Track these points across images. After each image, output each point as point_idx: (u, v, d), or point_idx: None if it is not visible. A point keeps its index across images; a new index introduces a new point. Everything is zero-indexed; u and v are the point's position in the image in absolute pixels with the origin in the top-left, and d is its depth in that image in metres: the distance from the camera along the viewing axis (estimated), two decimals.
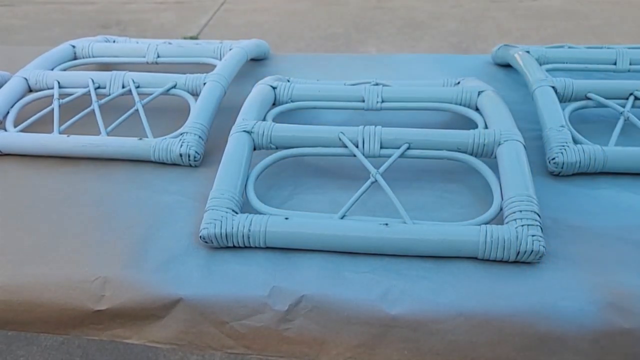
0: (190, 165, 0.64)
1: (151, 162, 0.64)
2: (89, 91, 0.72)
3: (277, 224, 0.51)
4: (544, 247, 0.48)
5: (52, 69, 0.79)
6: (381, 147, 0.58)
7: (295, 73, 0.78)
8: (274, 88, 0.69)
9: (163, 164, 0.64)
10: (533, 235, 0.48)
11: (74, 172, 0.64)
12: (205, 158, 0.65)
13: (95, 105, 0.70)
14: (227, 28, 3.32)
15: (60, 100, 0.72)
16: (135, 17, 3.50)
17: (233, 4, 3.80)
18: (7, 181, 0.63)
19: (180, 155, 0.63)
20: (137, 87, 0.72)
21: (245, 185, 0.56)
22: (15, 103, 0.73)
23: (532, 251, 0.48)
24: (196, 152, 0.64)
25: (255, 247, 0.52)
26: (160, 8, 3.71)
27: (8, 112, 0.71)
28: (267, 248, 0.52)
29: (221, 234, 0.51)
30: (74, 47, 0.84)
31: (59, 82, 0.74)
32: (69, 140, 0.65)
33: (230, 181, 0.55)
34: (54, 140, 0.65)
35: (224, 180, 0.55)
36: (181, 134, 0.65)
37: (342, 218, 0.52)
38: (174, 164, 0.64)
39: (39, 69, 0.77)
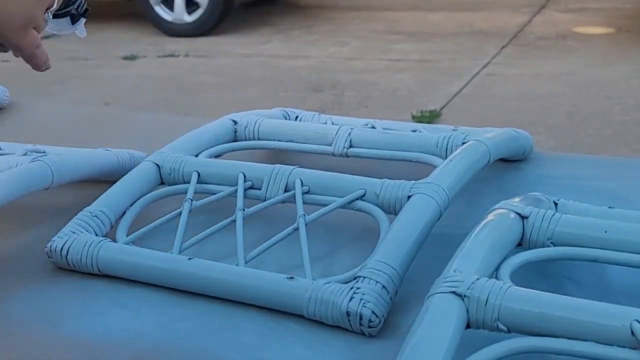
0: (363, 333, 0.60)
1: (301, 317, 0.63)
2: (236, 191, 0.75)
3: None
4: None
5: (198, 154, 0.84)
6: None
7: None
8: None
9: (318, 322, 0.62)
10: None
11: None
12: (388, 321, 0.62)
13: (238, 215, 0.72)
14: (487, 101, 3.35)
15: (194, 202, 0.75)
16: (357, 77, 3.78)
17: (504, 65, 3.86)
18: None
19: (348, 313, 0.59)
20: (306, 192, 0.74)
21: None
22: (137, 200, 0.77)
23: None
24: (373, 313, 0.59)
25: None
26: (394, 67, 3.95)
27: (125, 212, 0.76)
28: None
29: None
30: (235, 123, 0.90)
31: (198, 174, 0.78)
32: (189, 265, 0.67)
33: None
34: (169, 263, 0.67)
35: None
36: (355, 279, 0.62)
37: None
38: (335, 327, 0.61)
39: (178, 153, 0.82)
